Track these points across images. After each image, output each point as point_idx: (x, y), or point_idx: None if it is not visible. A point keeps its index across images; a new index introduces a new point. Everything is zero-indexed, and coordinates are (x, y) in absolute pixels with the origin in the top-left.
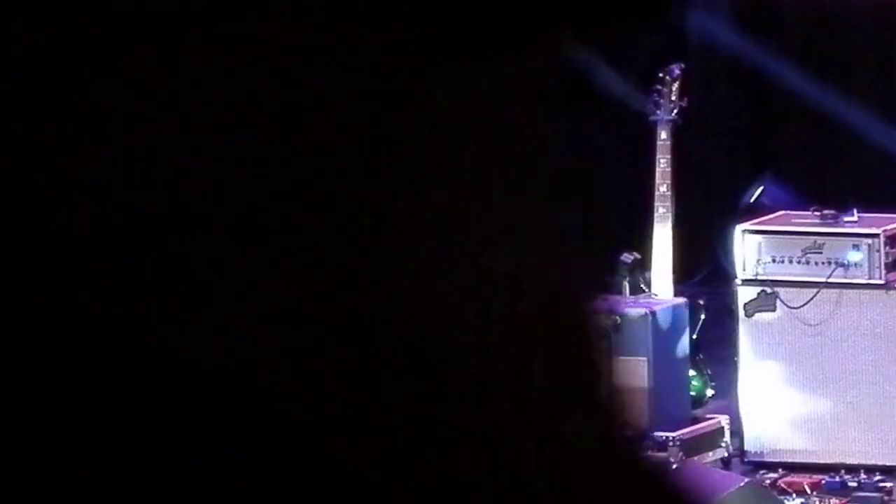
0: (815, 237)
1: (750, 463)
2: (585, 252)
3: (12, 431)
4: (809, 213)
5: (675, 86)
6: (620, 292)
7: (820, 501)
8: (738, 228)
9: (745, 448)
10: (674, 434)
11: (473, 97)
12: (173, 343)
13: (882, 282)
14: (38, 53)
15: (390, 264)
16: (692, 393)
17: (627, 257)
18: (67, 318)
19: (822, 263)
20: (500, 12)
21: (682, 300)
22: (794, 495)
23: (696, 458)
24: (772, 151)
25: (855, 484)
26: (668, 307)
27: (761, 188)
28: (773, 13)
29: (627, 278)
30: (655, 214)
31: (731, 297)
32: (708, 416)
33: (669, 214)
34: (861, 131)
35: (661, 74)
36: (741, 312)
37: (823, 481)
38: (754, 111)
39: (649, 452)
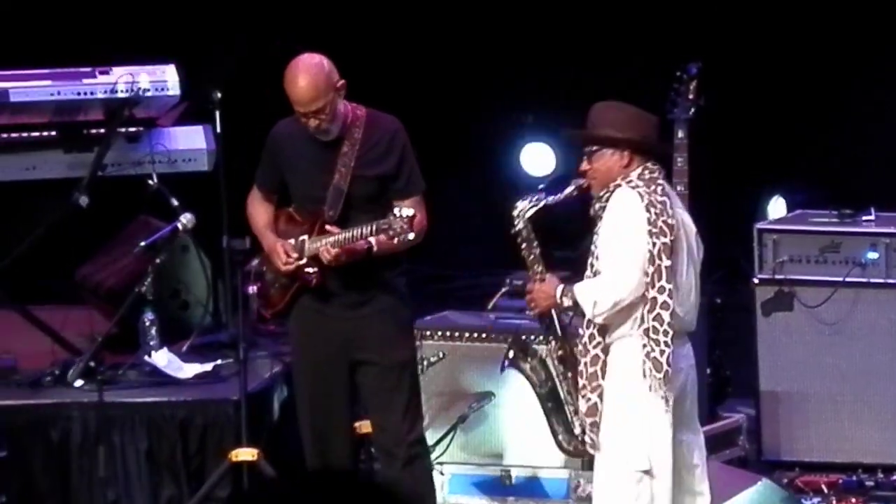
0: (833, 236)
1: (767, 462)
2: None
3: None
4: (827, 212)
5: (693, 85)
6: None
7: (837, 500)
8: (756, 228)
9: (763, 447)
10: None
11: None
12: None
13: None
14: None
15: None
16: None
17: None
18: None
19: (840, 263)
20: None
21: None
22: (811, 494)
23: (713, 457)
24: (790, 150)
25: (872, 483)
26: None
27: (780, 199)
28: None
29: None
30: None
31: (749, 296)
32: (725, 414)
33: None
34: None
35: (678, 73)
36: (759, 311)
37: (840, 480)
38: (771, 111)
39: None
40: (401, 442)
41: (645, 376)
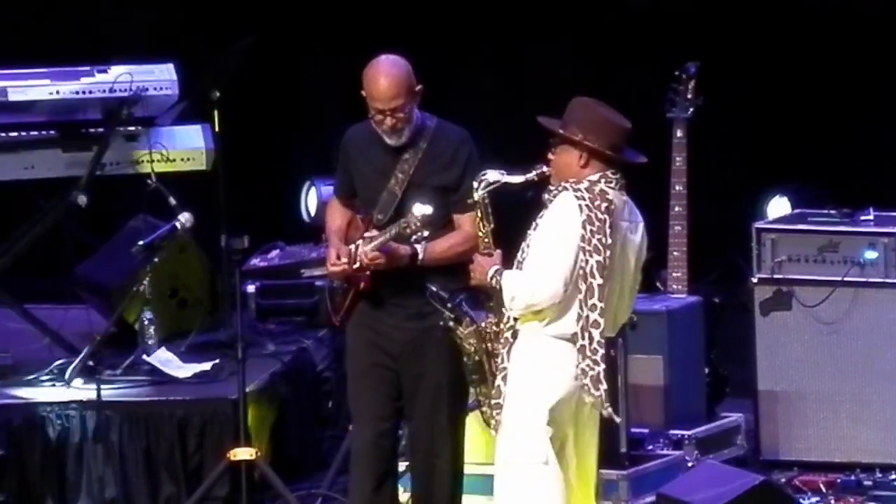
0: (831, 236)
1: (765, 461)
2: None
3: None
4: (826, 211)
5: (692, 84)
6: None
7: (835, 500)
8: (755, 227)
9: (761, 446)
10: (689, 432)
11: None
12: None
13: None
14: None
15: None
16: None
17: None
18: None
19: (838, 262)
20: None
21: (697, 298)
22: (809, 494)
23: (711, 456)
24: (788, 149)
25: (871, 483)
26: (683, 305)
27: (783, 198)
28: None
29: (642, 277)
30: (671, 213)
31: (747, 295)
32: (724, 414)
33: (685, 213)
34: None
35: (677, 73)
36: (757, 311)
37: (839, 480)
38: (769, 110)
39: (665, 450)
40: (431, 462)
41: (587, 390)
